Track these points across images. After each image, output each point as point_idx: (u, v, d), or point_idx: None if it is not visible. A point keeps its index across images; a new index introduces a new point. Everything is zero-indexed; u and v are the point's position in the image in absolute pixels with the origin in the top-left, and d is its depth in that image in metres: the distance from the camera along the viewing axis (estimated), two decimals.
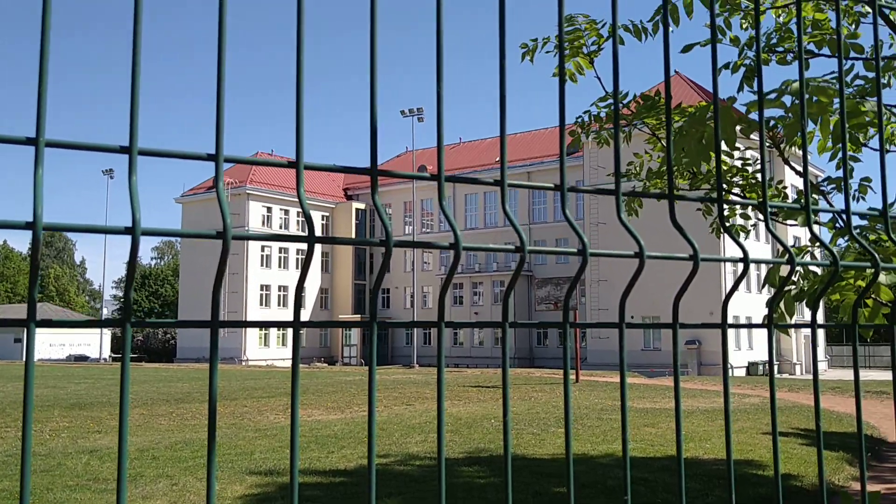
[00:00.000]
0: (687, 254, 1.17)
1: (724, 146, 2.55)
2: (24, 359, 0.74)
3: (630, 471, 1.18)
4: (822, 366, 59.31)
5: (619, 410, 21.40)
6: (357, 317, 68.61)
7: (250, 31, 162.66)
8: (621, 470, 12.12)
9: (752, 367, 49.83)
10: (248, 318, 65.06)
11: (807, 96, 2.49)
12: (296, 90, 0.94)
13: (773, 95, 2.31)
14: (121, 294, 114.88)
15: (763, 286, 2.95)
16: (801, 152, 1.63)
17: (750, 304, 50.47)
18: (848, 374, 46.42)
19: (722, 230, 1.35)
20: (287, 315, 68.77)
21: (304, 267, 0.92)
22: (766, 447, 14.35)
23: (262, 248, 68.57)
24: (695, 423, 18.08)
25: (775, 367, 41.55)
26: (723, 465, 12.44)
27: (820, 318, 59.28)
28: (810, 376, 48.58)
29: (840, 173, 3.97)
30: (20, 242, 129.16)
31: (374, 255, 74.33)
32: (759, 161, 5.61)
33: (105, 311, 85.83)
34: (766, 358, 51.42)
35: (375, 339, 0.98)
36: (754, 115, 2.73)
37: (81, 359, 78.51)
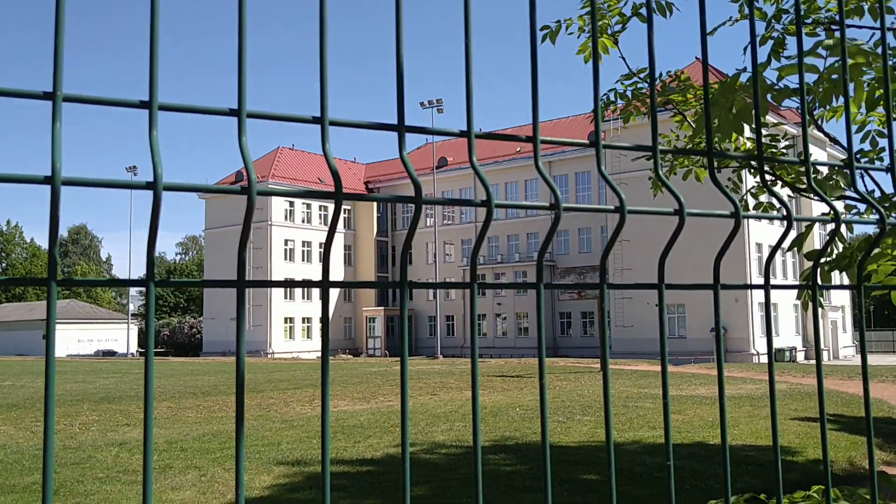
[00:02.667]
0: (728, 211, 1.12)
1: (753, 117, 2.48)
2: (47, 319, 0.73)
3: (671, 450, 1.14)
4: (849, 351, 58.69)
5: (645, 398, 21.30)
6: (381, 309, 68.78)
7: (271, 8, 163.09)
8: (648, 457, 12.01)
9: (778, 353, 49.34)
10: (273, 310, 65.57)
11: (838, 60, 2.42)
12: (319, 42, 0.90)
13: (805, 59, 2.25)
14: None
15: (790, 249, 2.89)
16: (846, 120, 1.57)
17: (777, 291, 49.97)
18: (877, 360, 45.91)
19: (765, 190, 1.30)
20: (312, 307, 69.08)
21: (332, 224, 0.88)
22: (795, 432, 14.21)
23: (286, 242, 68.85)
24: None
25: (802, 353, 40.92)
26: (751, 451, 12.33)
27: (844, 294, 58.59)
28: (837, 362, 48.07)
29: (868, 146, 3.90)
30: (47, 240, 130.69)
31: (396, 249, 74.45)
32: (785, 137, 5.52)
33: (131, 305, 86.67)
34: (791, 344, 50.90)
35: (407, 300, 0.94)
36: (783, 83, 2.67)
37: (109, 354, 79.36)
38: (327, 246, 0.90)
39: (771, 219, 1.11)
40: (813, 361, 49.74)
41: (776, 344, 50.26)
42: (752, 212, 5.36)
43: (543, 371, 1.05)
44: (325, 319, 0.90)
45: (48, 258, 0.79)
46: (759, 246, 49.87)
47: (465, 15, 0.98)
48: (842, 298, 57.55)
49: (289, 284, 0.91)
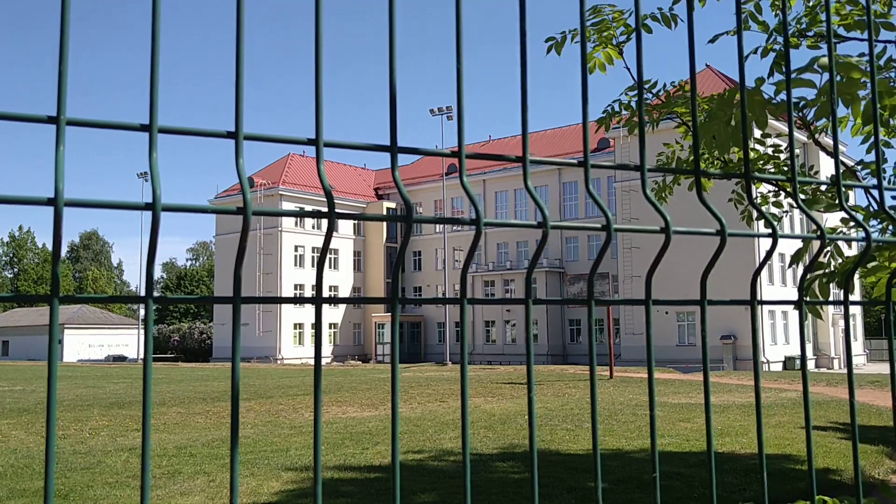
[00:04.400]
0: (714, 229, 1.15)
1: (755, 129, 2.50)
2: (50, 335, 0.75)
3: (657, 460, 1.17)
4: (861, 359, 58.41)
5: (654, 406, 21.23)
6: (390, 315, 68.58)
7: (276, 23, 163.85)
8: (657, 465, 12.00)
9: (788, 362, 49.13)
10: (283, 317, 65.68)
11: (837, 75, 2.44)
12: (314, 62, 0.94)
13: (802, 75, 2.26)
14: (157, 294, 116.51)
15: (790, 266, 2.91)
16: (832, 139, 1.61)
17: (783, 298, 49.85)
18: (887, 369, 45.59)
19: (751, 207, 1.34)
20: (323, 314, 69.21)
21: (326, 241, 0.92)
22: (804, 441, 14.12)
23: (296, 249, 69.05)
24: (731, 418, 17.89)
25: (812, 362, 40.67)
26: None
27: (858, 309, 58.36)
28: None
29: (874, 157, 3.88)
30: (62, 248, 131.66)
31: (406, 256, 74.37)
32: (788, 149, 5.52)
33: (142, 311, 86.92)
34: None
35: (398, 316, 0.97)
36: (782, 97, 2.68)
37: (120, 359, 79.70)
38: (320, 264, 0.93)
39: (756, 236, 1.14)
40: (823, 370, 49.53)
41: (787, 352, 50.08)
42: (752, 223, 5.39)
43: (532, 384, 1.07)
44: (317, 334, 0.94)
45: (51, 276, 0.82)
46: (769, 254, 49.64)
47: (457, 42, 1.01)
48: (853, 307, 57.29)
49: (281, 301, 0.94)
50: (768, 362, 48.35)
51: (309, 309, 68.98)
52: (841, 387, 27.74)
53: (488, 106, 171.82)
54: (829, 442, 13.90)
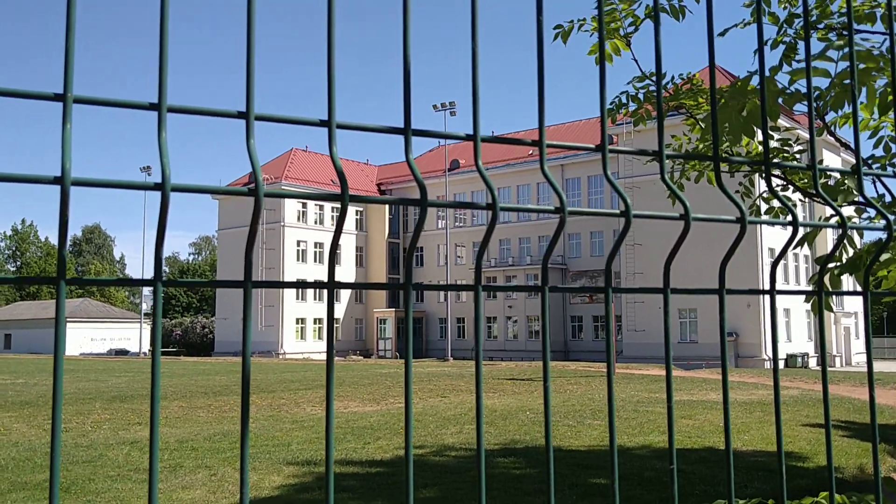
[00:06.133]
0: (734, 216, 1.13)
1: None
2: (56, 317, 0.74)
3: (675, 454, 1.15)
4: (863, 357, 58.33)
5: (656, 403, 21.24)
6: (392, 310, 68.73)
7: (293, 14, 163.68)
8: (657, 461, 11.96)
9: (790, 360, 49.08)
10: (286, 312, 65.70)
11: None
12: (327, 40, 0.91)
13: (816, 63, 2.23)
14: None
15: (795, 248, 2.88)
16: (840, 133, 1.57)
17: (790, 298, 49.85)
18: (888, 367, 45.57)
19: (770, 195, 1.30)
20: (324, 308, 69.24)
21: (338, 225, 0.89)
22: (806, 439, 14.14)
23: (298, 244, 69.02)
24: (733, 415, 17.87)
25: (813, 360, 40.50)
26: (761, 457, 12.27)
27: (858, 300, 58.38)
28: (850, 369, 47.75)
29: (881, 152, 3.86)
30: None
31: (407, 250, 74.32)
32: (798, 142, 5.49)
33: (144, 305, 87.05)
34: (804, 350, 50.60)
35: (411, 301, 0.95)
36: (794, 87, 2.66)
37: (122, 353, 79.75)
38: (333, 246, 0.91)
39: (777, 224, 1.12)
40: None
41: (789, 350, 50.03)
42: (760, 217, 5.35)
43: (548, 373, 1.05)
44: (329, 319, 0.91)
45: (57, 258, 0.80)
46: (771, 251, 49.63)
47: (472, 18, 0.99)
48: (855, 305, 57.25)
49: (294, 285, 0.92)
50: (769, 360, 48.30)
51: (311, 304, 68.94)
52: (843, 384, 27.71)
53: (488, 103, 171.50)
54: (831, 439, 13.87)
